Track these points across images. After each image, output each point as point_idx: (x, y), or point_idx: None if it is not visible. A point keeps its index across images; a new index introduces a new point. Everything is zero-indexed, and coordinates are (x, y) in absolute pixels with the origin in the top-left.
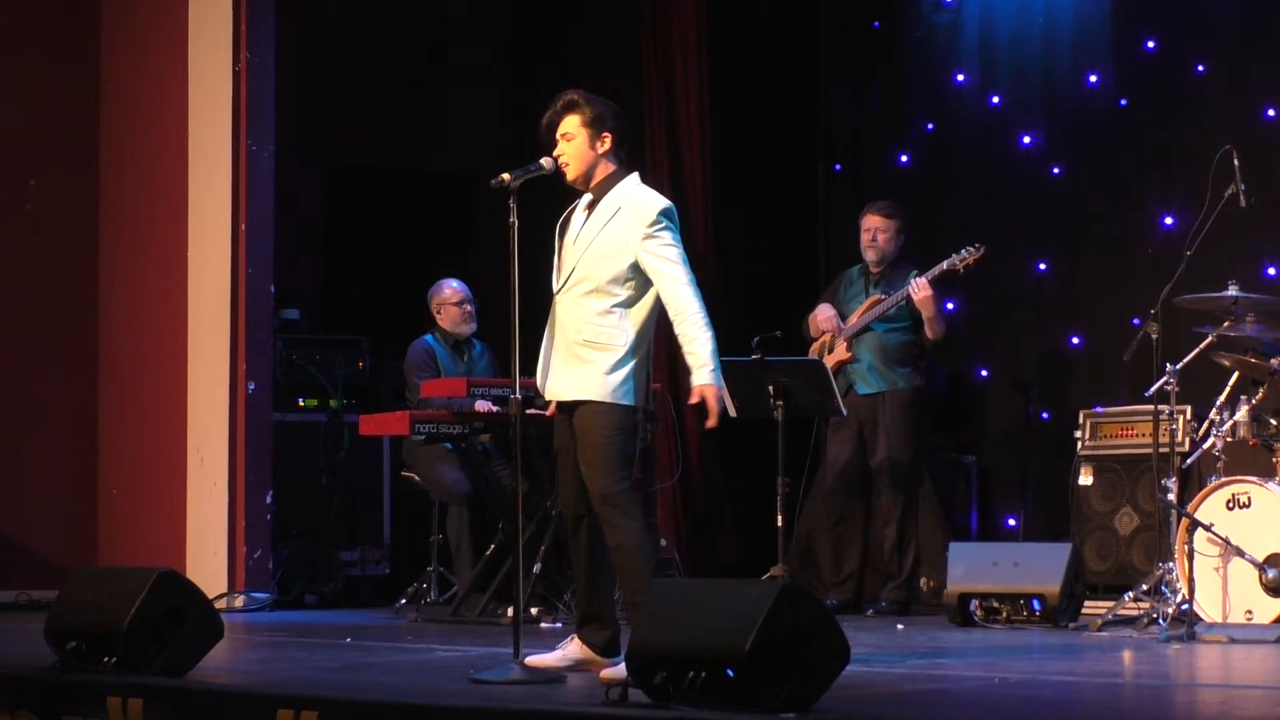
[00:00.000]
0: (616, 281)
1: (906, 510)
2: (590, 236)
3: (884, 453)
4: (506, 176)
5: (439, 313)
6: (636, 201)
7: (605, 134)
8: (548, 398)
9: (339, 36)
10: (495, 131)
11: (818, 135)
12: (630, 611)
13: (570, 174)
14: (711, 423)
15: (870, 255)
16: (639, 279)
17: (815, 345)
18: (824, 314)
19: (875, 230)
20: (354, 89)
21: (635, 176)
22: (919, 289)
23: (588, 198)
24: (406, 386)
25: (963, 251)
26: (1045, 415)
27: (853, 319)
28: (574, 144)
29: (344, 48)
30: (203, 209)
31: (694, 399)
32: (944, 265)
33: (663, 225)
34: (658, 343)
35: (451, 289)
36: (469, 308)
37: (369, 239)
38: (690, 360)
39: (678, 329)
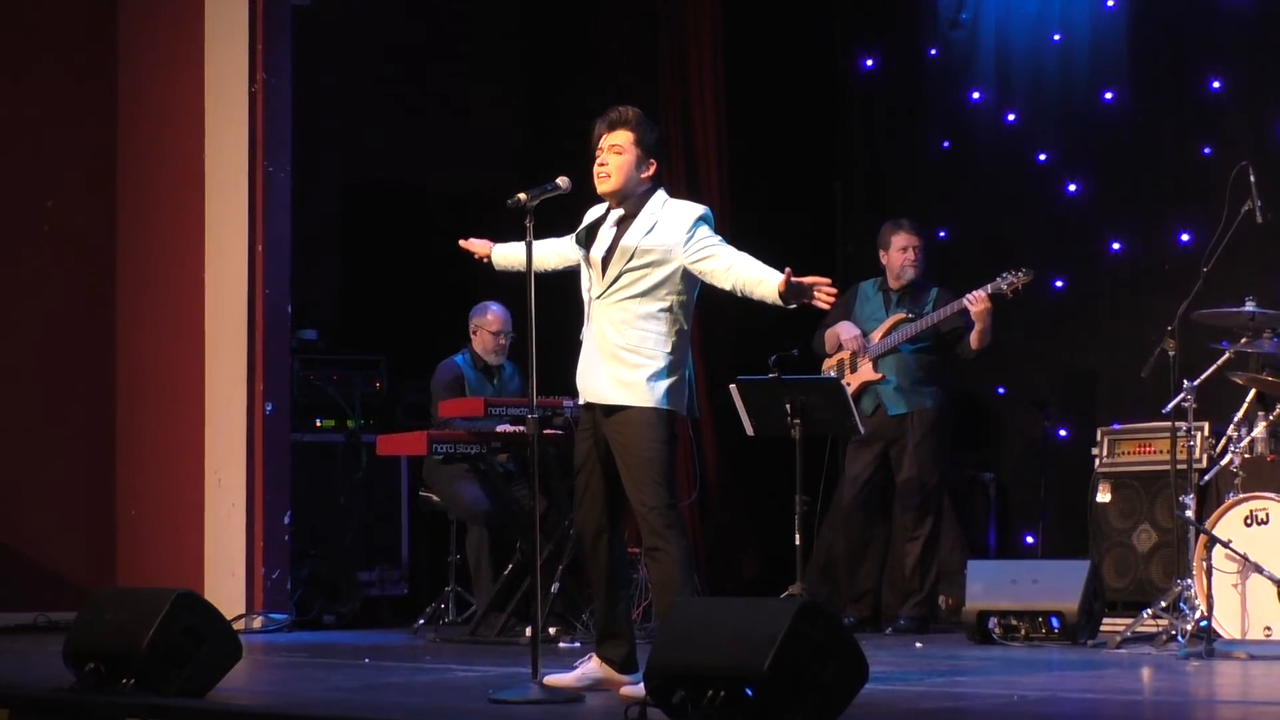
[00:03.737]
0: (659, 288)
1: (933, 529)
2: (632, 245)
3: (911, 471)
4: (523, 196)
5: (475, 334)
6: (672, 211)
7: (653, 161)
8: (587, 400)
9: (355, 54)
10: (513, 149)
11: (834, 152)
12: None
13: (607, 186)
14: (820, 280)
15: (910, 273)
16: (681, 287)
17: (832, 361)
18: (848, 332)
19: (913, 247)
20: (370, 107)
21: (664, 191)
22: (977, 301)
23: (617, 212)
24: (431, 404)
25: (1009, 276)
26: (1063, 432)
27: (875, 336)
28: (622, 159)
29: (360, 65)
30: (220, 230)
31: (781, 294)
32: (989, 288)
33: (700, 225)
34: None
35: (494, 314)
36: (504, 341)
37: (387, 259)
38: (763, 280)
39: (742, 276)
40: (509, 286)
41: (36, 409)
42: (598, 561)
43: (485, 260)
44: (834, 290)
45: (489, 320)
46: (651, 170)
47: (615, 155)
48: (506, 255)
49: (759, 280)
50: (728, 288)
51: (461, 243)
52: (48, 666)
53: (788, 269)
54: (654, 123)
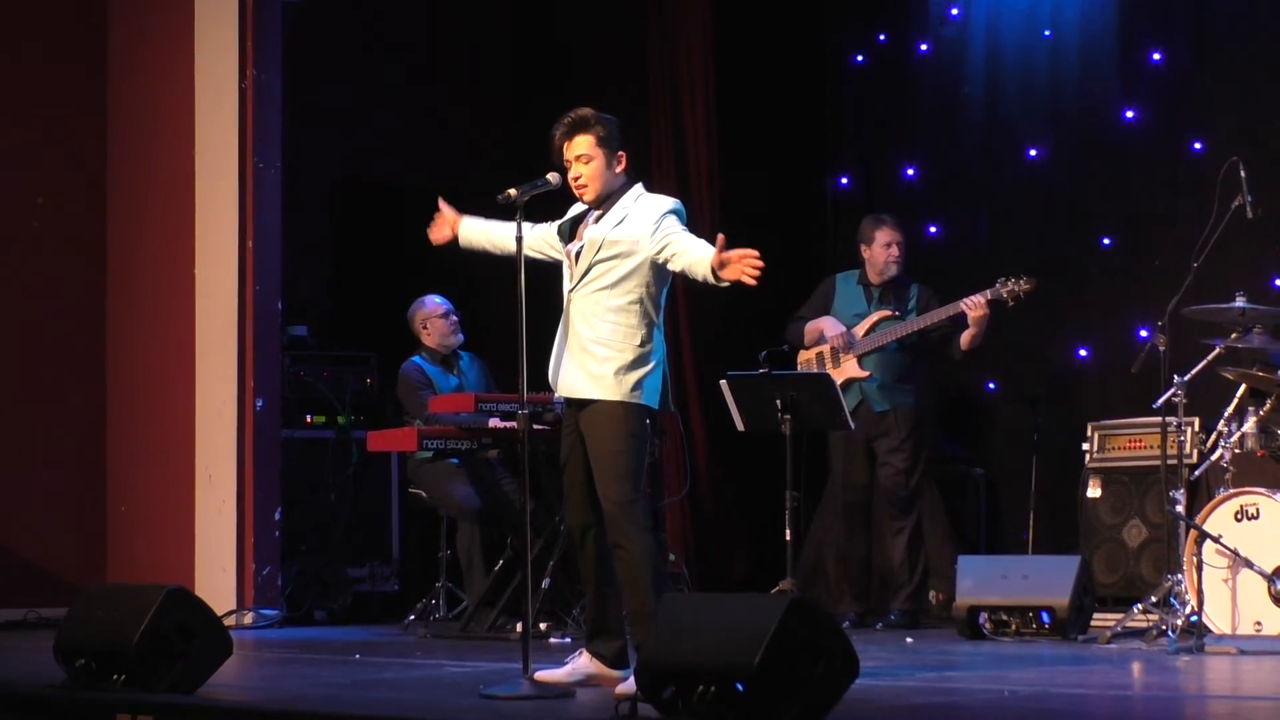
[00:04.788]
0: (628, 280)
1: (918, 522)
2: (600, 237)
3: (898, 467)
4: (513, 192)
5: (424, 328)
6: (645, 205)
7: (620, 153)
8: (559, 394)
9: (345, 51)
10: (501, 146)
11: (825, 149)
12: (634, 623)
13: (588, 195)
14: (749, 251)
15: (894, 270)
16: (650, 279)
17: (810, 354)
18: (833, 329)
19: (896, 243)
20: (360, 104)
21: (640, 185)
22: (976, 307)
23: (597, 211)
24: (404, 409)
25: (1009, 282)
26: (1053, 427)
27: (859, 332)
28: (592, 166)
29: (350, 62)
30: (210, 226)
31: (713, 269)
32: (989, 294)
33: (668, 217)
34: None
35: (435, 303)
36: (454, 318)
37: (377, 255)
38: (702, 259)
39: (688, 257)
40: (470, 284)
41: (27, 405)
42: (586, 557)
43: (449, 236)
44: (760, 264)
45: (433, 308)
46: (622, 163)
47: (584, 165)
48: (471, 229)
49: (698, 259)
50: (678, 269)
51: (442, 204)
52: (38, 663)
53: (720, 237)
54: (604, 113)
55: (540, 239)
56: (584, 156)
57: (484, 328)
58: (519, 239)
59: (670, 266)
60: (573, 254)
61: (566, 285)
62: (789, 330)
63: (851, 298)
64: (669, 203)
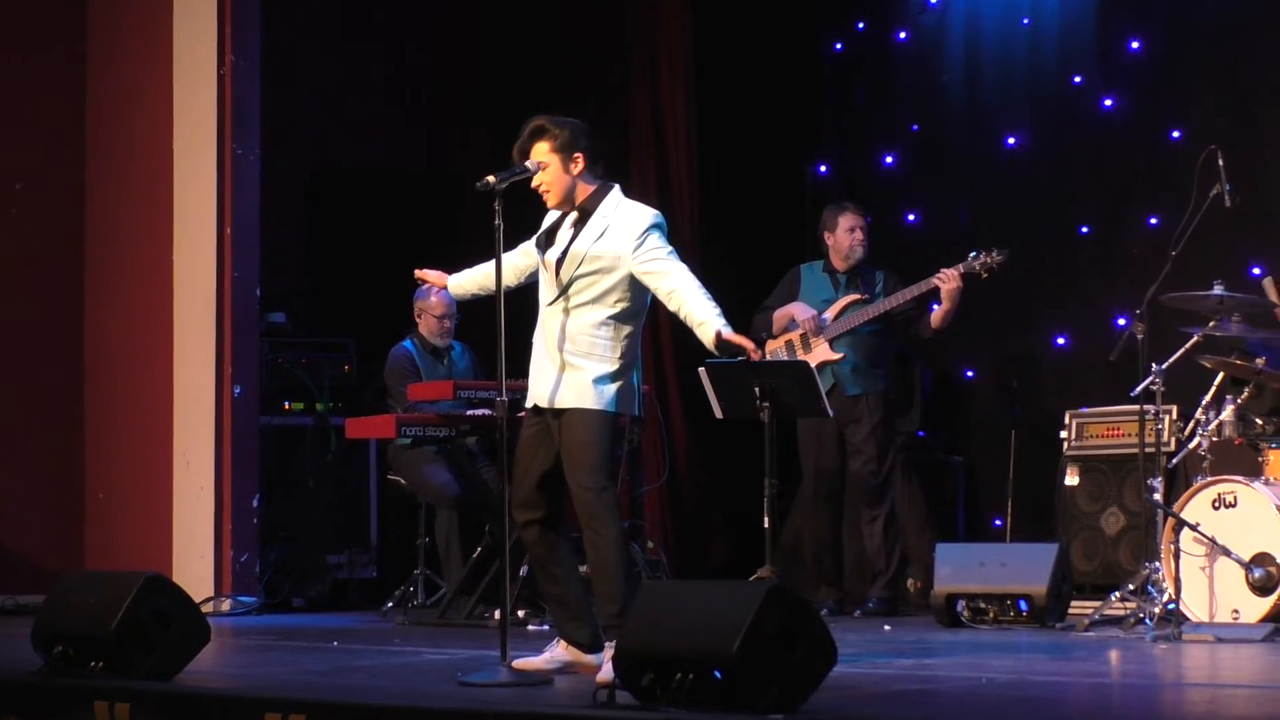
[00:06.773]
0: (609, 295)
1: (893, 509)
2: (582, 251)
3: (869, 453)
4: (491, 179)
5: (419, 317)
6: (625, 216)
7: (577, 155)
8: (536, 404)
9: (325, 37)
10: (481, 133)
11: (804, 137)
12: (601, 606)
13: (552, 201)
14: (749, 346)
15: (859, 253)
16: (631, 293)
17: (779, 341)
18: (804, 312)
19: (859, 227)
20: (339, 90)
21: (618, 190)
22: (949, 279)
23: (573, 215)
24: (389, 395)
25: (981, 255)
26: (1031, 416)
27: (830, 314)
28: (549, 172)
29: (330, 49)
30: (188, 212)
31: (715, 345)
32: (961, 267)
33: (651, 233)
34: (642, 346)
35: (437, 298)
36: (448, 324)
37: (355, 242)
38: (703, 324)
39: (685, 308)
40: (450, 271)
41: (4, 392)
42: (530, 546)
43: (443, 290)
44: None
45: (432, 304)
46: (580, 164)
47: (541, 171)
48: (462, 284)
49: (699, 323)
50: (671, 309)
51: (418, 272)
52: (16, 650)
53: (717, 330)
54: (566, 117)
55: (519, 268)
56: (541, 163)
57: (474, 319)
58: (497, 226)
59: (653, 292)
60: (551, 264)
61: (545, 298)
62: (756, 320)
63: (818, 285)
64: (650, 216)
